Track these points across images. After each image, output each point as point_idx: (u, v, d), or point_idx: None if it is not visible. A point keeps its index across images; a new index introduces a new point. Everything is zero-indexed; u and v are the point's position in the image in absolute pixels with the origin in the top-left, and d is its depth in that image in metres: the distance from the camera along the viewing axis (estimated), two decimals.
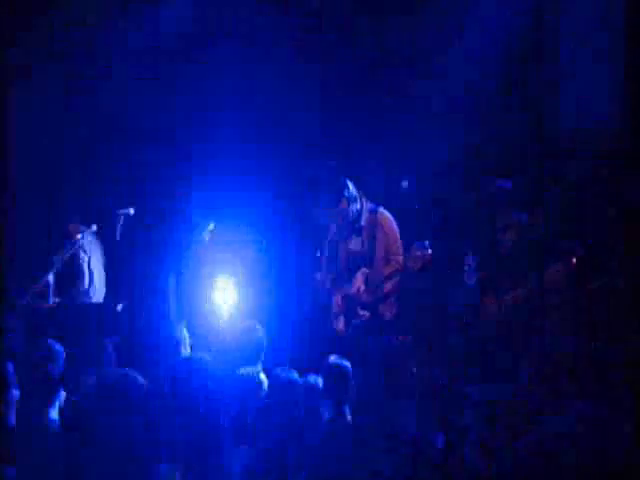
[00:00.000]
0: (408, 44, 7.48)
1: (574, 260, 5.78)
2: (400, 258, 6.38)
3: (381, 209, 6.55)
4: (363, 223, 6.46)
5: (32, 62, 8.00)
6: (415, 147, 7.41)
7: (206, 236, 7.22)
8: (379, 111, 7.64)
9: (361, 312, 6.37)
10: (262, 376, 5.71)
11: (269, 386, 5.23)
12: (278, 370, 4.95)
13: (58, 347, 4.81)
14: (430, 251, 6.09)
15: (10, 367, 4.16)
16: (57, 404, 4.31)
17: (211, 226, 7.20)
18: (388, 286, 6.35)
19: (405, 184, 6.94)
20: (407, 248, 6.40)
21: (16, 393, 4.11)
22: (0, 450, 3.82)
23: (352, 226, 6.47)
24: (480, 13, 7.21)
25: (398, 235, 6.47)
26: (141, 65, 7.93)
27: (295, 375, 4.86)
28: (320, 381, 4.95)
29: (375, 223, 6.43)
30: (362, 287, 6.37)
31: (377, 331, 6.20)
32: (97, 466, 3.23)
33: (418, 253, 6.09)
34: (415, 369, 5.13)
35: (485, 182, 6.47)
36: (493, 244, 6.22)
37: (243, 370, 5.70)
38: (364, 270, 6.40)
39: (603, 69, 6.83)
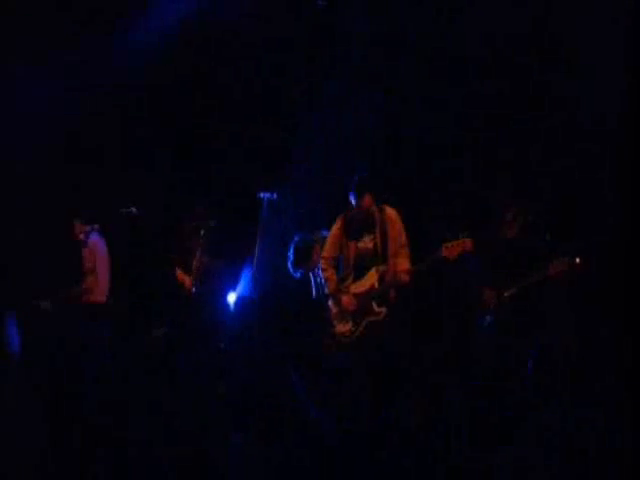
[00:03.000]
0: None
1: (577, 260, 5.77)
2: (408, 250, 6.36)
3: (386, 206, 6.53)
4: (375, 217, 6.41)
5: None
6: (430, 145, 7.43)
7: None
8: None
9: (377, 309, 6.30)
10: None
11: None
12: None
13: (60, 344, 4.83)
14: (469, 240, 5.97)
15: None
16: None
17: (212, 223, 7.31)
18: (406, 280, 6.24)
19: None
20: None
21: None
22: None
23: (364, 223, 6.42)
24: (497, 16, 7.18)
25: (403, 228, 6.45)
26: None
27: None
28: None
29: (384, 220, 6.41)
30: (376, 284, 6.31)
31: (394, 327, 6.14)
32: None
33: (455, 242, 5.96)
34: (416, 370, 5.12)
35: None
36: (497, 239, 6.22)
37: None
38: (379, 268, 6.34)
39: (610, 68, 6.82)
